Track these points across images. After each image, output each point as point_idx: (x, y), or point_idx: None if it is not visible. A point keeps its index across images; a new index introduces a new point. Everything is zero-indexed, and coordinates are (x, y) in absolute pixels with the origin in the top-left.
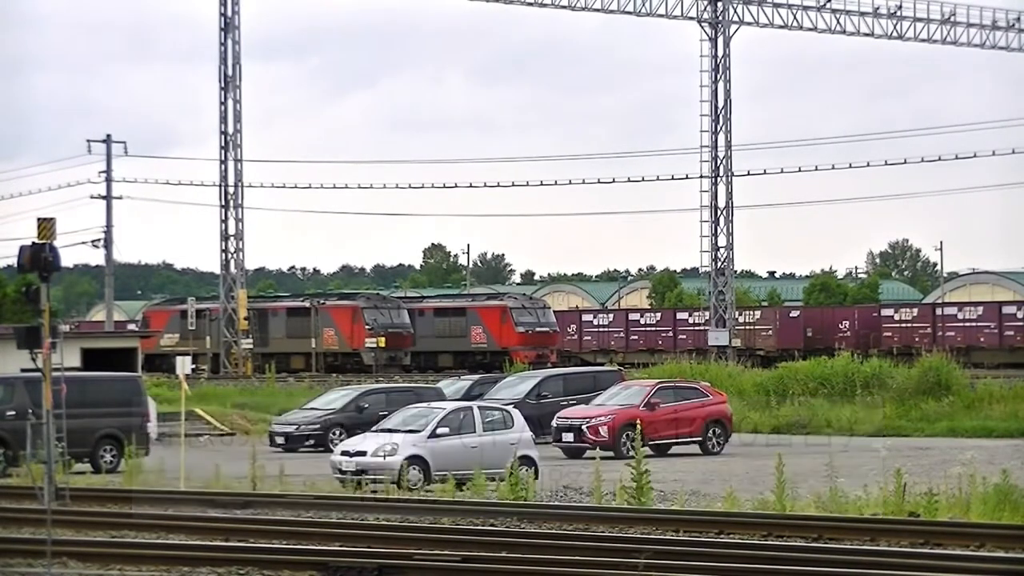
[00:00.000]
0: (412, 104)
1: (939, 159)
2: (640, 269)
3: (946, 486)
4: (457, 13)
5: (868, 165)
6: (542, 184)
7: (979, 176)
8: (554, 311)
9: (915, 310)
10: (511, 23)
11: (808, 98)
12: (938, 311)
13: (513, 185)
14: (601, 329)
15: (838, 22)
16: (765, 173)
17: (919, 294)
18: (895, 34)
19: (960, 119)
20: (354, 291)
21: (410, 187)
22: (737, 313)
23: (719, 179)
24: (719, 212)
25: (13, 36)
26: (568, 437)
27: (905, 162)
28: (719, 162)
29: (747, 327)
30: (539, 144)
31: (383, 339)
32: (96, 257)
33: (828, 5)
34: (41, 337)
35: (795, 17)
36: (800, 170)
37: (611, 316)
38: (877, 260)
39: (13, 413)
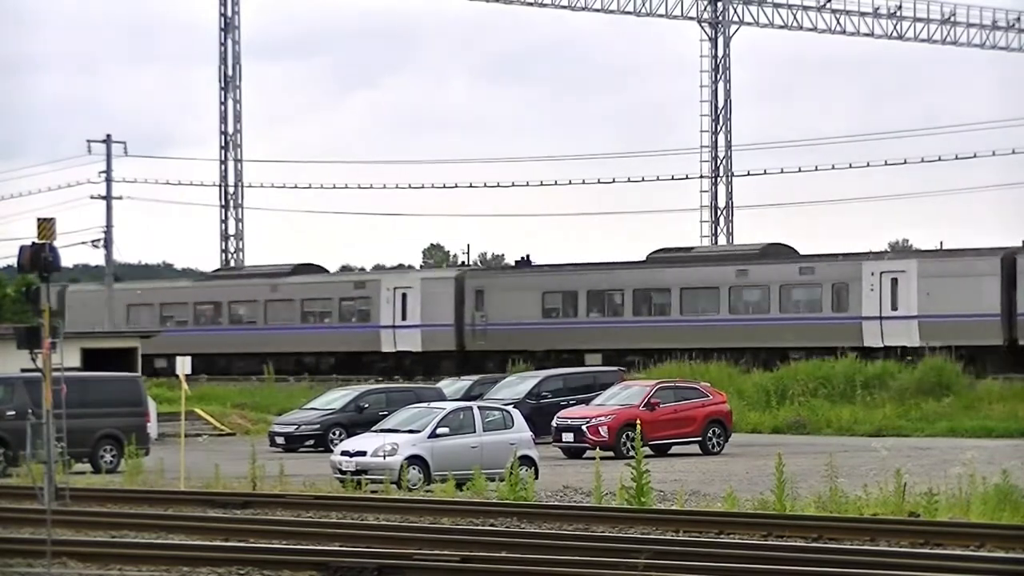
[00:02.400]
0: (414, 104)
1: (939, 159)
2: None
3: (946, 486)
4: (458, 14)
5: (868, 165)
6: (542, 184)
7: (979, 176)
8: None
9: None
10: (512, 24)
11: (808, 98)
12: None
13: (513, 185)
14: None
15: (838, 22)
16: (765, 173)
17: None
18: (895, 34)
19: (960, 119)
20: None
21: (410, 187)
22: None
23: (719, 179)
24: (719, 212)
25: (13, 36)
26: (568, 437)
27: (905, 162)
28: (719, 162)
29: None
30: (539, 144)
31: None
32: (96, 257)
33: (828, 5)
34: (41, 337)
35: (795, 17)
36: (800, 170)
37: None
38: None
39: (13, 413)
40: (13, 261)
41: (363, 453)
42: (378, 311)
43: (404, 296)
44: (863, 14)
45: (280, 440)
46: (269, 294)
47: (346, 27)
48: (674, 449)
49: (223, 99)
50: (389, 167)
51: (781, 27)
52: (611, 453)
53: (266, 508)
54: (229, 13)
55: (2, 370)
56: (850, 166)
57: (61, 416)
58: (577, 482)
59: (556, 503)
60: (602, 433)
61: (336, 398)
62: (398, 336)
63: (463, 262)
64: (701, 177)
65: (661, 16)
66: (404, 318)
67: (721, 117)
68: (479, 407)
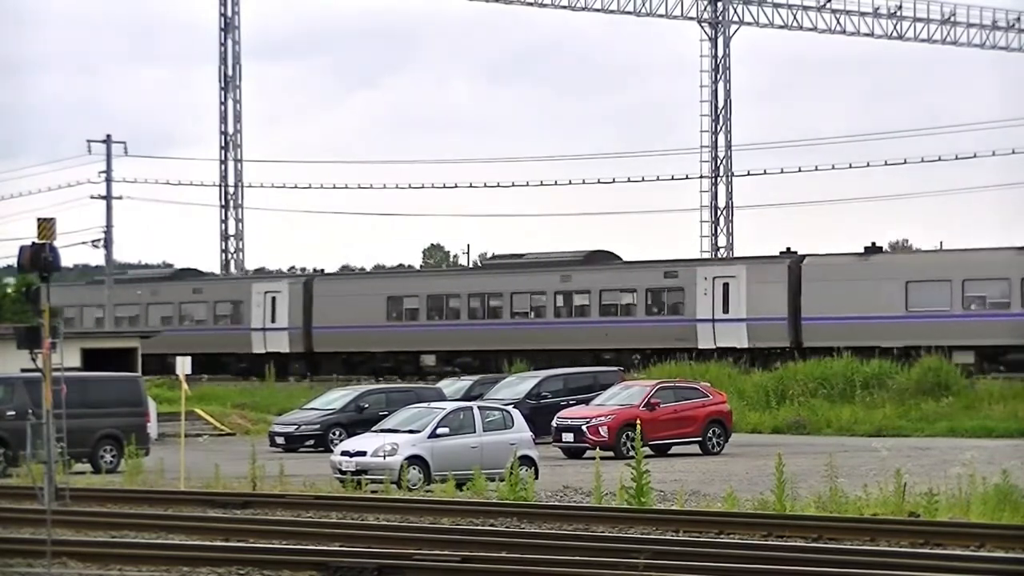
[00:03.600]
0: (414, 104)
1: (939, 159)
2: None
3: (946, 486)
4: (458, 14)
5: (868, 165)
6: (542, 184)
7: (979, 176)
8: None
9: None
10: (512, 24)
11: (808, 98)
12: None
13: (513, 185)
14: None
15: (838, 22)
16: (765, 173)
17: None
18: (895, 34)
19: (960, 119)
20: None
21: (410, 187)
22: None
23: (719, 179)
24: (719, 212)
25: (13, 36)
26: (568, 437)
27: (905, 162)
28: (719, 162)
29: None
30: (539, 144)
31: None
32: (96, 257)
33: (828, 5)
34: (41, 337)
35: (795, 17)
36: (800, 170)
37: None
38: None
39: (13, 413)
40: (13, 261)
41: (363, 453)
42: None
43: None
44: (863, 14)
45: (280, 440)
46: None
47: (346, 27)
48: (674, 449)
49: (223, 99)
50: (389, 167)
51: (781, 27)
52: (611, 453)
53: (266, 508)
54: (229, 13)
55: (2, 370)
56: (850, 166)
57: (61, 416)
58: (577, 482)
59: (556, 503)
60: (602, 433)
61: (336, 398)
62: None
63: None
64: (701, 177)
65: (661, 16)
66: None
67: (721, 117)
68: (479, 407)
